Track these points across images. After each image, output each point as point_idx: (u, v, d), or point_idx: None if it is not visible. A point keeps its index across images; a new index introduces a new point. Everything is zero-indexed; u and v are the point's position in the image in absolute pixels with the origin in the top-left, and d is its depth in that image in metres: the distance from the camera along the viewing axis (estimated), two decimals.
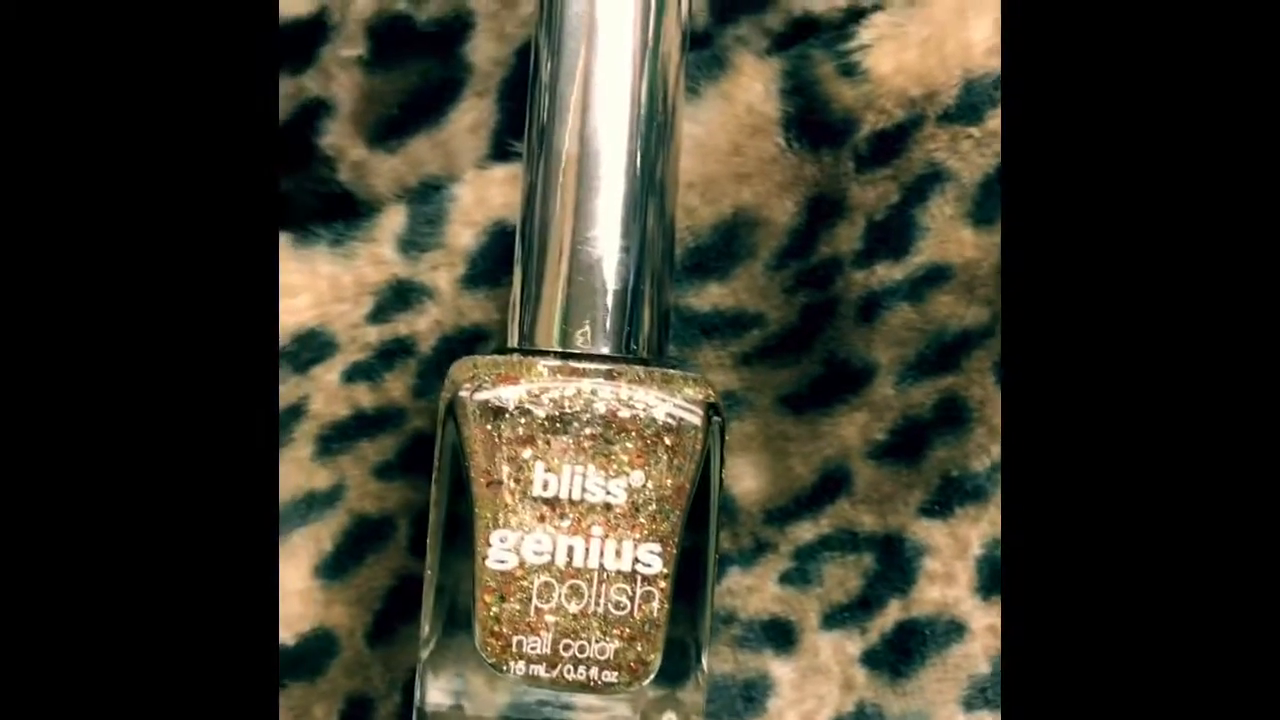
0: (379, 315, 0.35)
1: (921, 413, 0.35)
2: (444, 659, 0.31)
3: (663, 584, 0.30)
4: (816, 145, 0.34)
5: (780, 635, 0.35)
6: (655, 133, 0.31)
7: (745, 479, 0.35)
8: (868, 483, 0.35)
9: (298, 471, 0.34)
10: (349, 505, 0.35)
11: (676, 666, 0.31)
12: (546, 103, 0.31)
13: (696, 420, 0.30)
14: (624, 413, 0.30)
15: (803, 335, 0.34)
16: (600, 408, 0.30)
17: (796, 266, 0.34)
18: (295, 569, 0.34)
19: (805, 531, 0.35)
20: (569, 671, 0.30)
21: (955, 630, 0.35)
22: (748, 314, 0.34)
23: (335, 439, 0.35)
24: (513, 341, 0.31)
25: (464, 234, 0.35)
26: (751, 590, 0.35)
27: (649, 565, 0.30)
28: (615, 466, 0.30)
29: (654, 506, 0.30)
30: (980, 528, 0.35)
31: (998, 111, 0.34)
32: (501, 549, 0.30)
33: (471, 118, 0.35)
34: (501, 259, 0.35)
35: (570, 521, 0.30)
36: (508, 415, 0.30)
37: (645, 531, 0.30)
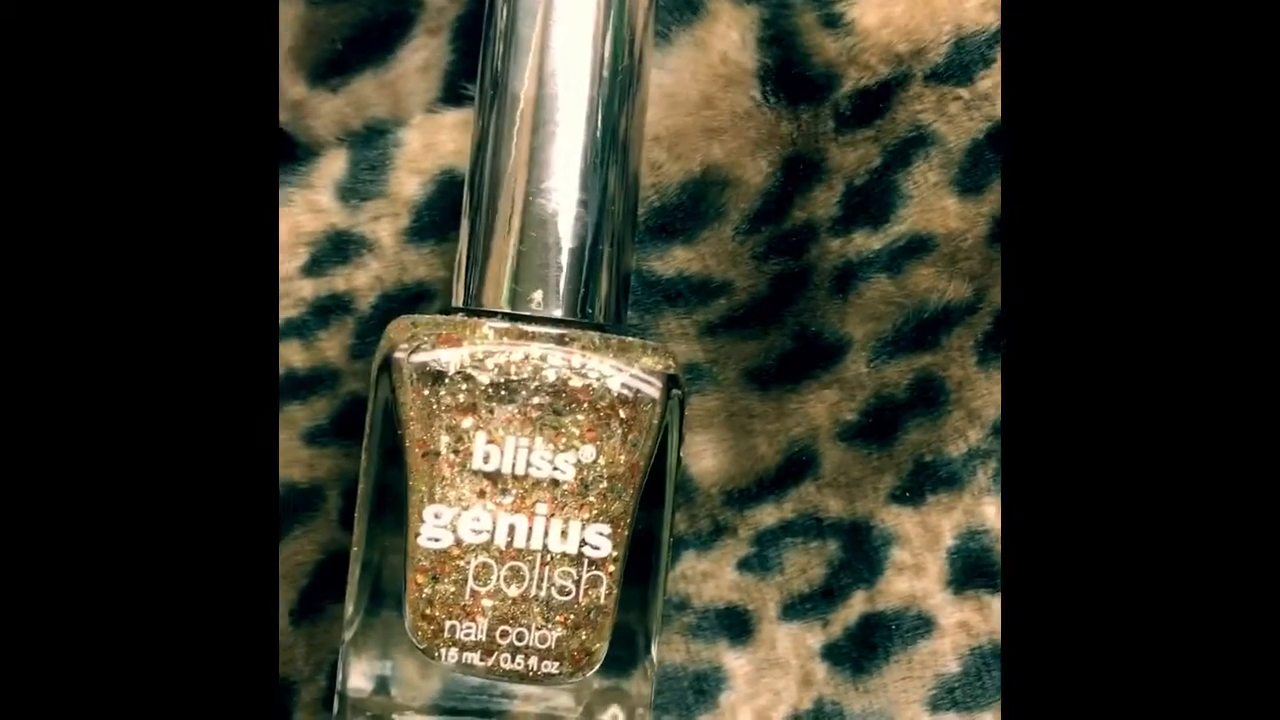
0: (314, 268, 0.32)
1: (896, 393, 0.32)
2: (369, 641, 0.29)
3: (611, 568, 0.28)
4: (795, 101, 0.31)
5: (736, 625, 0.33)
6: (620, 79, 0.28)
7: (705, 457, 0.33)
8: (835, 465, 0.33)
9: None
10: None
11: (623, 656, 0.29)
12: (502, 42, 0.28)
13: (654, 393, 0.28)
14: (576, 382, 0.27)
15: (772, 306, 0.32)
16: (550, 375, 0.27)
17: (768, 231, 0.32)
18: None
19: (767, 515, 0.33)
20: (506, 660, 0.28)
21: (923, 625, 0.33)
22: (714, 281, 0.32)
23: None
24: (457, 301, 0.29)
25: (409, 182, 0.32)
26: (707, 576, 0.33)
27: (597, 548, 0.28)
28: (564, 440, 0.27)
29: (605, 485, 0.28)
30: (953, 517, 0.33)
31: (990, 72, 0.31)
32: (436, 526, 0.27)
33: (422, 57, 0.32)
34: (449, 211, 0.32)
35: (513, 498, 0.27)
36: (447, 380, 0.27)
37: (594, 511, 0.28)
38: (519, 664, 0.28)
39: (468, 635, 0.27)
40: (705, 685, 0.33)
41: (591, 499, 0.28)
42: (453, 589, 0.27)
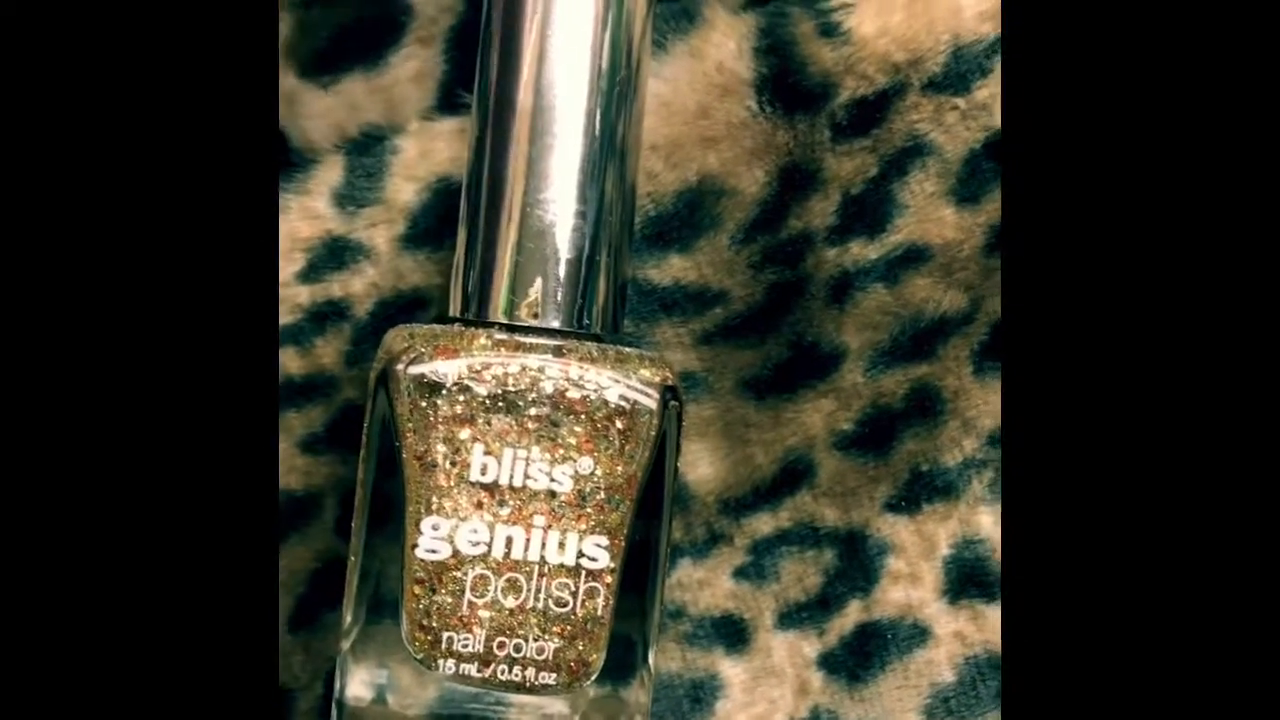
0: (311, 274, 0.32)
1: (892, 402, 0.32)
2: (367, 649, 0.28)
3: (609, 579, 0.28)
4: (791, 110, 0.31)
5: (732, 633, 0.33)
6: (618, 89, 0.28)
7: (701, 466, 0.33)
8: (831, 475, 0.33)
9: None
10: None
11: (620, 665, 0.29)
12: (499, 51, 0.28)
13: (652, 404, 0.28)
14: (573, 393, 0.27)
15: (768, 315, 0.32)
16: (547, 387, 0.27)
17: (764, 241, 0.32)
18: None
19: (763, 524, 0.33)
20: (503, 671, 0.28)
21: (918, 635, 0.33)
22: (710, 290, 0.32)
23: None
24: (454, 310, 0.29)
25: (405, 189, 0.32)
26: (703, 584, 0.33)
27: (594, 559, 0.28)
28: (562, 451, 0.27)
29: (602, 496, 0.28)
30: (949, 526, 0.33)
31: (987, 82, 0.31)
32: (433, 537, 0.27)
33: (414, 66, 0.32)
34: (445, 218, 0.32)
35: (510, 510, 0.27)
36: (445, 391, 0.27)
37: (591, 523, 0.28)
38: (516, 675, 0.28)
39: (465, 646, 0.27)
40: (701, 693, 0.33)
41: (589, 510, 0.28)
42: (450, 600, 0.27)
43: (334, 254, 0.32)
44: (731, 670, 0.33)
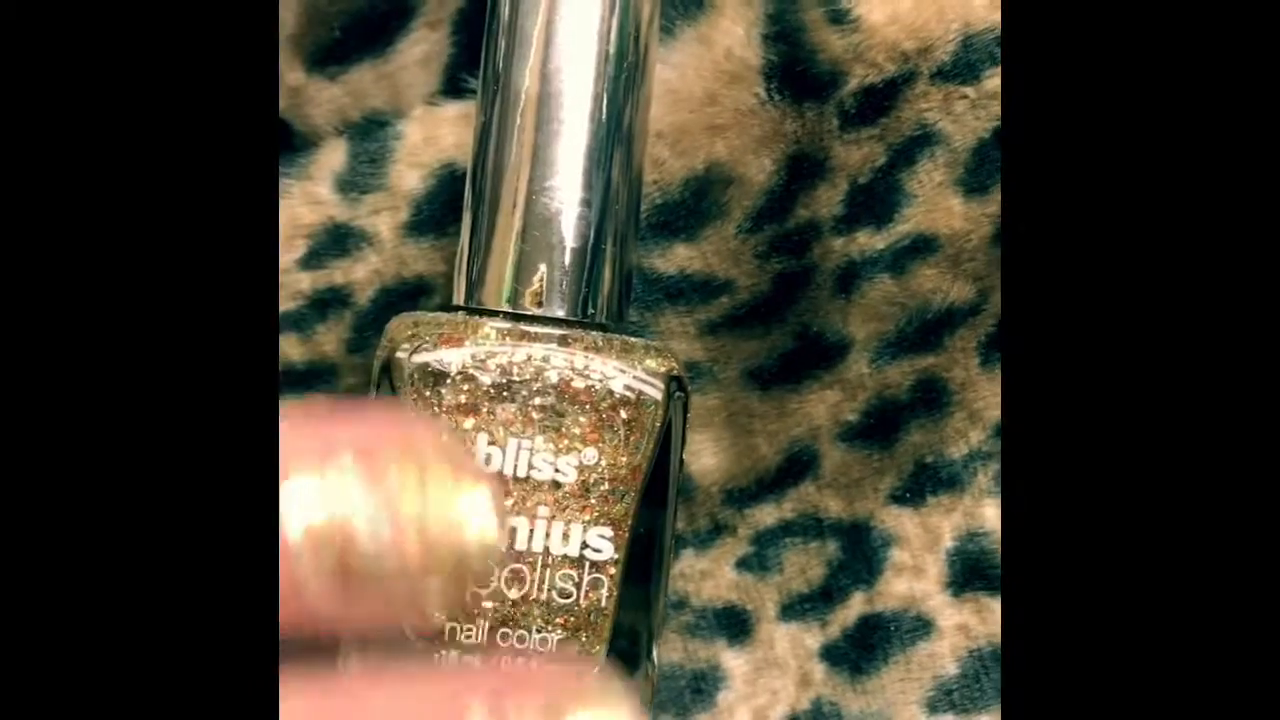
0: (312, 261, 0.32)
1: (897, 393, 0.32)
2: (370, 642, 0.28)
3: (612, 571, 0.28)
4: (799, 98, 0.31)
5: (735, 624, 0.33)
6: (625, 75, 0.28)
7: (705, 456, 0.32)
8: (836, 466, 0.32)
9: None
10: None
11: (624, 657, 0.29)
12: (505, 37, 0.28)
13: (657, 394, 0.27)
14: (578, 383, 0.27)
15: (774, 305, 0.32)
16: (552, 376, 0.27)
17: (771, 230, 0.32)
18: None
19: (766, 515, 0.33)
20: (506, 663, 0.27)
21: (922, 627, 0.33)
22: (716, 279, 0.32)
23: None
24: (458, 298, 0.28)
25: (409, 176, 0.32)
26: (706, 575, 0.33)
27: (599, 550, 0.27)
28: (566, 442, 0.27)
29: (606, 486, 0.27)
30: (953, 518, 0.33)
31: (997, 71, 0.31)
32: None
33: (422, 50, 0.32)
34: (450, 205, 0.32)
35: (514, 500, 0.27)
36: (449, 380, 0.27)
37: (596, 514, 0.27)
38: (519, 666, 0.27)
39: (468, 638, 0.27)
40: (703, 684, 0.33)
41: (593, 501, 0.27)
42: None
43: (336, 240, 0.32)
44: (734, 661, 0.33)
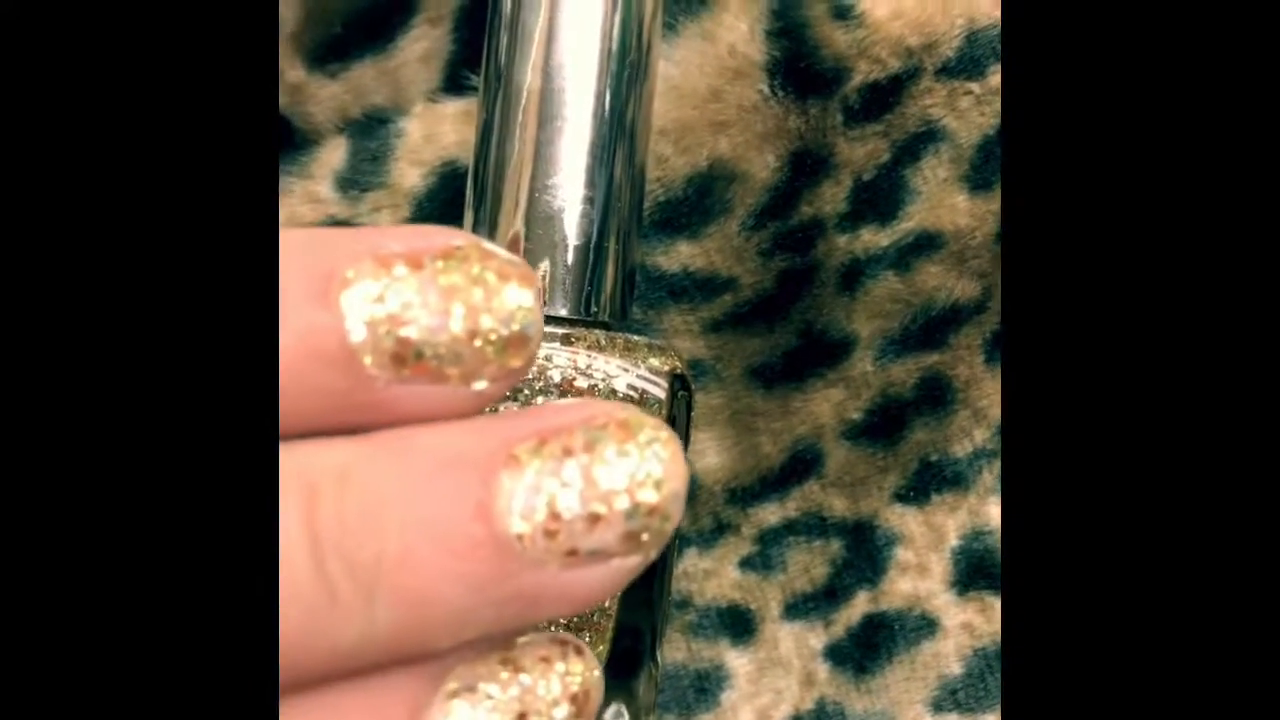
0: None
1: (902, 391, 0.32)
2: None
3: None
4: (803, 95, 0.31)
5: (738, 624, 0.33)
6: (628, 71, 0.28)
7: (708, 455, 0.32)
8: (840, 464, 0.32)
9: None
10: None
11: (628, 657, 0.28)
12: (507, 33, 0.27)
13: (661, 393, 0.27)
14: (581, 382, 0.27)
15: (778, 302, 0.32)
16: (555, 376, 0.27)
17: (775, 227, 0.32)
18: None
19: (770, 514, 0.32)
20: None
21: (926, 626, 0.32)
22: (720, 277, 0.32)
23: None
24: None
25: (411, 174, 0.31)
26: (709, 574, 0.33)
27: None
28: None
29: None
30: (958, 517, 0.32)
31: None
32: None
33: (423, 46, 0.31)
34: (452, 203, 0.31)
35: None
36: None
37: None
38: None
39: None
40: (706, 684, 0.33)
41: None
42: None
43: None
44: (737, 661, 0.33)
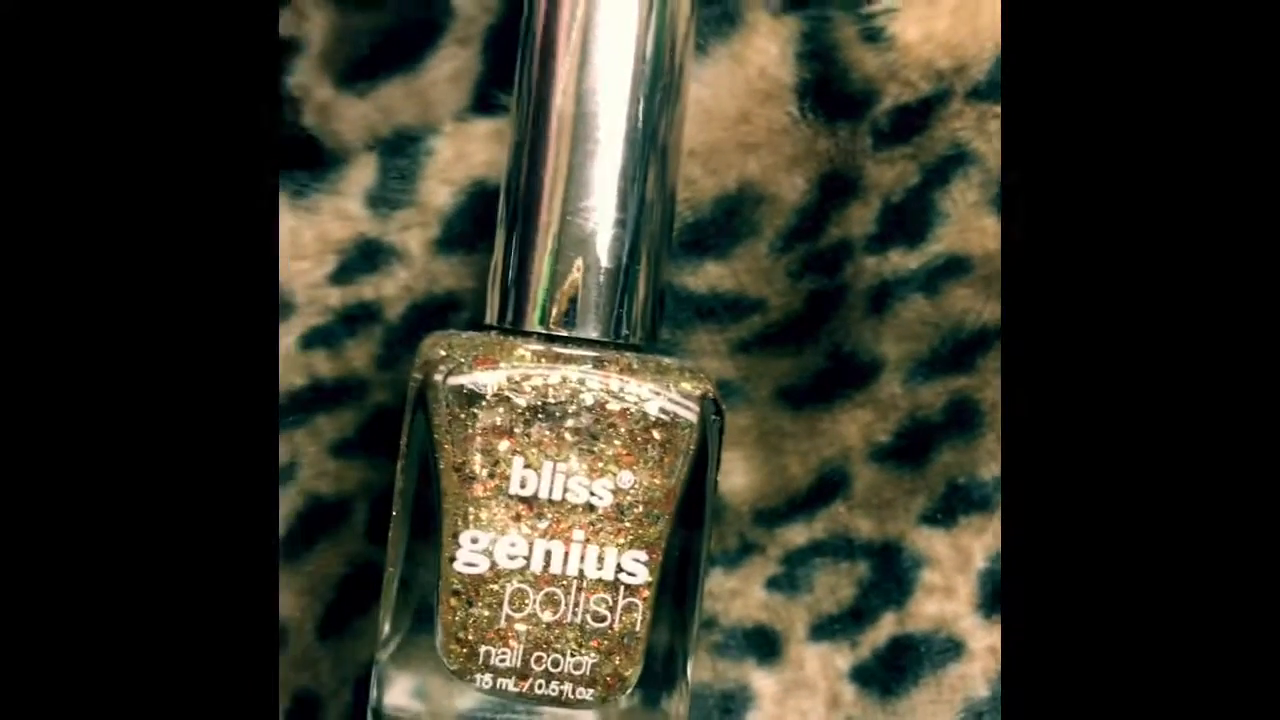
0: (342, 276, 0.32)
1: (930, 414, 0.32)
2: (404, 660, 0.28)
3: (646, 594, 0.27)
4: (833, 117, 0.31)
5: (764, 645, 0.33)
6: (660, 94, 0.28)
7: (735, 475, 0.32)
8: (867, 486, 0.32)
9: None
10: (302, 484, 0.32)
11: (661, 678, 0.28)
12: (539, 54, 0.27)
13: (692, 417, 0.27)
14: (613, 405, 0.27)
15: (807, 324, 0.32)
16: (588, 399, 0.27)
17: (803, 249, 0.32)
18: None
19: (797, 535, 0.32)
20: (540, 686, 0.27)
21: (953, 648, 0.32)
22: (748, 298, 0.32)
23: (289, 410, 0.32)
24: (491, 317, 0.28)
25: (440, 192, 0.31)
26: (735, 594, 0.33)
27: (633, 574, 0.27)
28: (601, 464, 0.27)
29: (640, 510, 0.27)
30: (984, 540, 0.32)
31: None
32: (473, 551, 0.27)
33: (452, 66, 0.31)
34: (480, 221, 0.31)
35: (549, 523, 0.27)
36: (484, 402, 0.27)
37: (630, 537, 0.27)
38: (553, 689, 0.27)
39: (502, 660, 0.27)
40: (732, 705, 0.33)
41: (627, 524, 0.27)
42: (487, 614, 0.27)
43: (366, 256, 0.32)
44: (763, 681, 0.33)
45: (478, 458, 0.27)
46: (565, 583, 0.27)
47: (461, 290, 0.32)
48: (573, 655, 0.27)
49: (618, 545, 0.27)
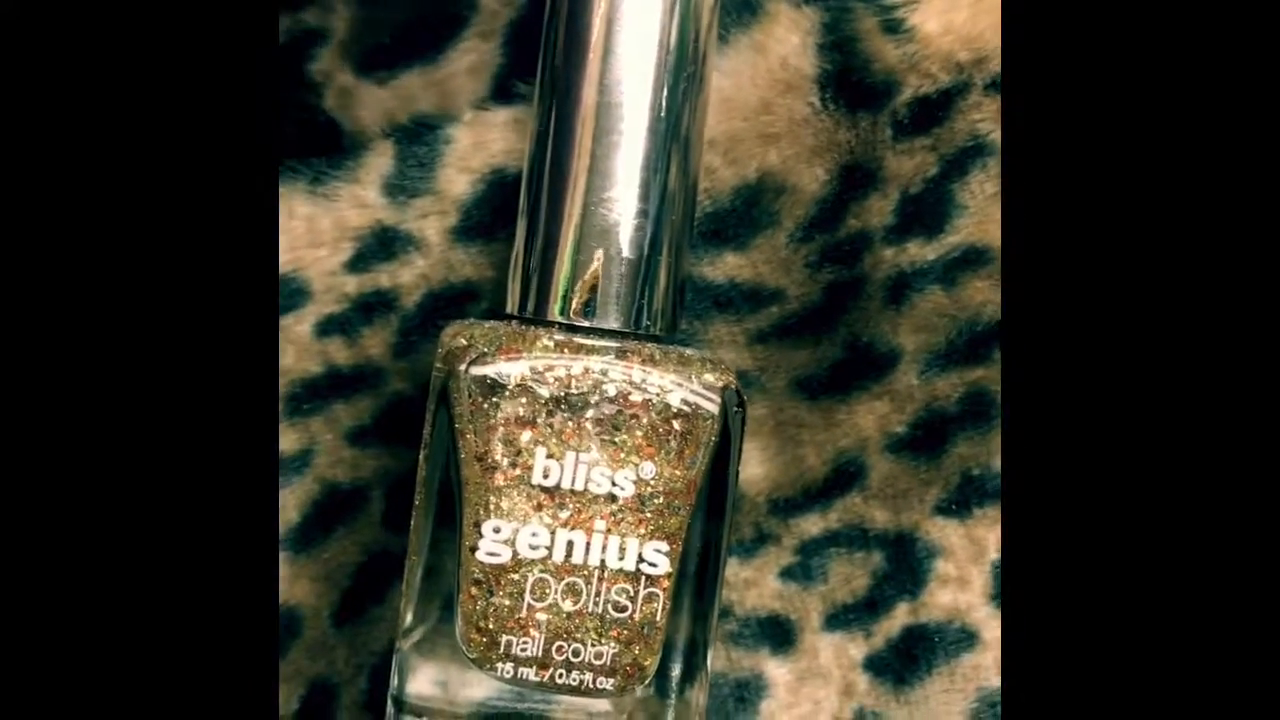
0: (359, 264, 0.31)
1: (946, 406, 0.32)
2: (426, 649, 0.28)
3: (666, 584, 0.28)
4: (853, 108, 0.31)
5: (778, 634, 0.33)
6: (684, 85, 0.28)
7: (752, 465, 0.32)
8: (882, 477, 0.32)
9: None
10: (318, 472, 0.32)
11: (682, 667, 0.29)
12: (563, 44, 0.27)
13: (713, 408, 0.27)
14: (635, 396, 0.27)
15: (824, 315, 0.32)
16: (610, 390, 0.27)
17: (822, 240, 0.32)
18: None
19: (812, 525, 0.33)
20: (560, 675, 0.27)
21: (966, 639, 0.33)
22: (766, 288, 0.32)
23: (305, 398, 0.32)
24: (512, 307, 0.28)
25: (458, 180, 0.31)
26: (750, 584, 0.33)
27: (654, 565, 0.27)
28: (623, 455, 0.27)
29: (662, 500, 0.27)
30: (999, 531, 0.33)
31: None
32: (495, 540, 0.27)
33: (472, 59, 0.31)
34: (499, 210, 0.31)
35: (570, 513, 0.27)
36: (507, 393, 0.27)
37: (652, 527, 0.27)
38: (574, 679, 0.27)
39: (523, 650, 0.27)
40: (746, 693, 0.33)
41: (648, 515, 0.27)
42: (508, 603, 0.27)
43: (383, 244, 0.32)
44: (777, 670, 0.33)
45: (500, 447, 0.27)
46: (586, 573, 0.27)
47: (479, 279, 0.32)
48: (593, 645, 0.27)
49: (639, 536, 0.27)
